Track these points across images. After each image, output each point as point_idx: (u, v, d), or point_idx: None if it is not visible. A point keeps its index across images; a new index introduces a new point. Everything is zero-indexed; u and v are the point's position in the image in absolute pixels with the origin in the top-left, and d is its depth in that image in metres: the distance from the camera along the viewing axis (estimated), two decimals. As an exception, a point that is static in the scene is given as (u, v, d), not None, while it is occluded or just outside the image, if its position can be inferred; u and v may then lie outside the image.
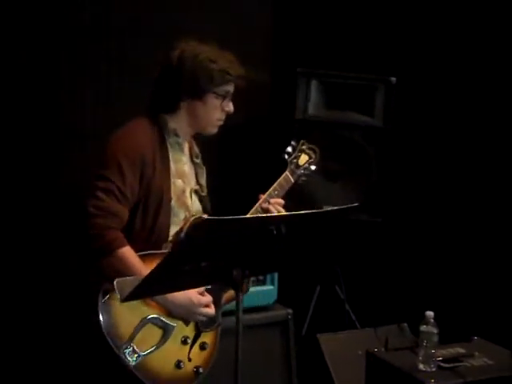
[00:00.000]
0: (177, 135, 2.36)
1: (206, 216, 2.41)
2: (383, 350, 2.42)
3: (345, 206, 2.00)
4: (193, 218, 2.38)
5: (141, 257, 2.23)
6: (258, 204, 2.41)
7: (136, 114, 2.39)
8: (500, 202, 3.33)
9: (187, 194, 2.40)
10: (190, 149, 2.48)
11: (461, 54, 3.44)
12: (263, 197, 2.42)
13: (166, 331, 2.24)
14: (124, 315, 2.15)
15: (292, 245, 1.95)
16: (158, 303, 2.21)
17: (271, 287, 3.02)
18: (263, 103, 3.81)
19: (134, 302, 2.13)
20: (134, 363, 2.14)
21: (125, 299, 1.94)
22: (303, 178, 2.56)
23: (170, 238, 2.33)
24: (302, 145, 2.57)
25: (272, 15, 3.80)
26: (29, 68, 2.96)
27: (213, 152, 3.52)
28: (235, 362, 1.90)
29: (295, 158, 2.52)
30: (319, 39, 3.73)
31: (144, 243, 2.27)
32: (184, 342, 2.28)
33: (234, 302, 1.94)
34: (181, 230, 2.36)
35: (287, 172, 2.48)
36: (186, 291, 2.22)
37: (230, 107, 2.39)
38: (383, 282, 3.61)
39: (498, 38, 3.31)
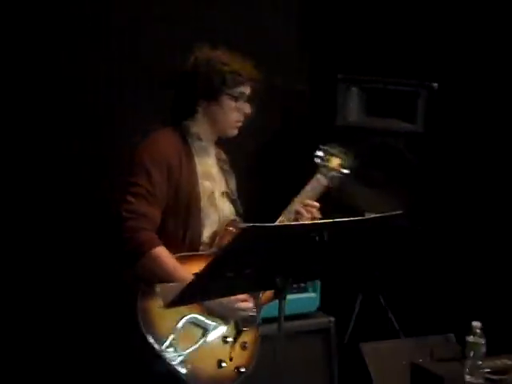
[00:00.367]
0: (200, 139, 2.43)
1: (238, 219, 2.45)
2: (428, 360, 2.37)
3: (388, 214, 1.99)
4: (227, 221, 2.41)
5: (177, 259, 2.25)
6: (289, 206, 2.40)
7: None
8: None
9: (216, 195, 2.44)
10: (217, 155, 2.53)
11: (505, 60, 3.38)
12: (295, 199, 2.42)
13: (206, 330, 2.25)
14: (163, 315, 2.16)
15: (334, 252, 1.94)
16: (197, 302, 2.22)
17: (313, 295, 3.01)
18: (303, 110, 3.81)
19: None
20: (175, 362, 2.15)
21: (168, 305, 1.96)
22: (337, 181, 2.52)
23: (204, 239, 2.36)
24: (333, 148, 2.54)
25: (311, 21, 3.80)
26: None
27: (252, 158, 3.55)
28: (277, 369, 1.90)
29: (326, 160, 2.51)
30: (359, 45, 3.72)
31: (179, 245, 2.30)
32: (224, 342, 2.29)
33: (276, 309, 1.93)
34: (215, 232, 2.39)
35: (318, 174, 2.47)
36: None
37: (247, 109, 2.43)
38: (428, 290, 3.56)
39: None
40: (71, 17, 3.06)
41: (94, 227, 3.06)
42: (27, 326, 2.99)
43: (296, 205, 2.40)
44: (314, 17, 3.81)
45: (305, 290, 2.98)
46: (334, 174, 2.49)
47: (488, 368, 2.29)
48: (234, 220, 2.45)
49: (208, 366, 2.23)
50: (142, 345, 2.14)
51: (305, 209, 2.39)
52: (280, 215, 2.41)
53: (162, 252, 2.21)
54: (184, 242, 2.32)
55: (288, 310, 1.95)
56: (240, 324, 2.33)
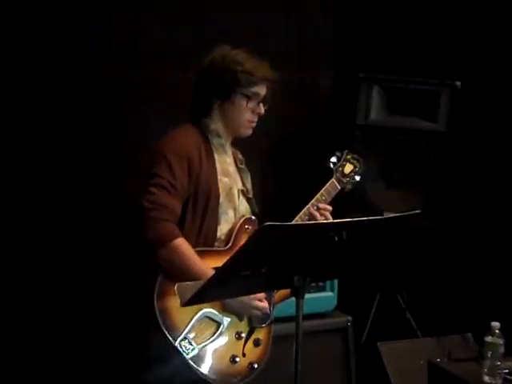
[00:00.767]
0: (219, 136, 2.45)
1: (254, 218, 2.47)
2: (446, 360, 2.37)
3: (406, 213, 1.99)
4: (243, 219, 2.43)
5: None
6: (304, 209, 2.46)
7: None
8: None
9: (234, 191, 2.46)
10: (234, 154, 2.56)
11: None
12: (310, 202, 2.47)
13: (220, 325, 2.27)
14: (180, 309, 2.18)
15: (353, 251, 1.94)
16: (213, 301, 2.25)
17: (331, 294, 3.01)
18: (325, 108, 3.80)
19: None
20: (190, 356, 2.18)
21: (185, 304, 1.98)
22: (349, 187, 2.61)
23: (219, 236, 2.38)
24: (347, 154, 2.63)
25: (334, 20, 3.79)
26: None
27: (269, 159, 3.56)
28: (294, 368, 1.90)
29: (340, 166, 2.59)
30: (381, 44, 3.70)
31: (194, 240, 2.32)
32: (238, 338, 2.32)
33: (293, 308, 1.93)
34: (231, 229, 2.41)
35: (333, 179, 2.55)
36: None
37: (260, 109, 2.45)
38: (446, 290, 3.54)
39: None
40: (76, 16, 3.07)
41: (109, 223, 3.10)
42: (38, 321, 3.02)
43: (310, 208, 2.46)
44: (339, 15, 3.80)
45: (322, 289, 2.98)
46: (347, 179, 2.58)
47: (506, 368, 2.27)
48: (250, 218, 2.47)
49: (221, 361, 2.25)
50: (157, 337, 2.16)
51: (319, 212, 2.45)
52: (294, 218, 2.45)
53: (182, 243, 2.24)
54: (199, 237, 2.34)
55: (306, 309, 1.94)
56: (254, 321, 2.35)
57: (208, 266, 2.22)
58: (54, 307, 3.04)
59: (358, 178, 2.61)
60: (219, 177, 2.41)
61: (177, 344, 2.16)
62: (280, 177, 3.61)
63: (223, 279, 1.84)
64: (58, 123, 3.05)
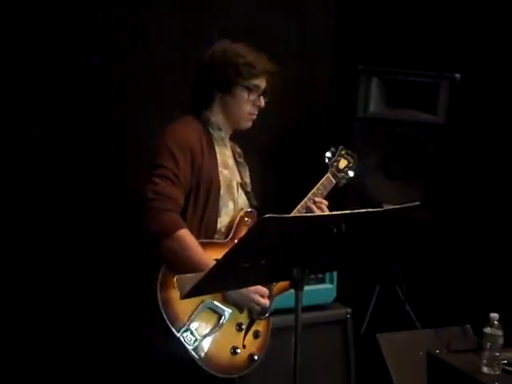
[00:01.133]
0: (220, 129, 2.47)
1: (254, 210, 2.48)
2: (445, 351, 2.37)
3: (405, 205, 1.99)
4: (243, 212, 2.44)
5: None
6: (302, 203, 2.48)
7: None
8: None
9: (234, 184, 2.47)
10: (232, 148, 2.57)
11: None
12: (306, 196, 2.50)
13: (221, 316, 2.28)
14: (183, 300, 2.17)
15: (352, 243, 1.94)
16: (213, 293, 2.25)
17: (330, 286, 3.01)
18: (324, 101, 3.80)
19: None
20: (192, 347, 2.18)
21: (184, 297, 1.97)
22: (343, 182, 2.64)
23: (219, 228, 2.39)
24: (342, 150, 2.66)
25: (334, 13, 3.79)
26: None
27: (267, 152, 3.56)
28: (294, 360, 1.91)
29: (335, 161, 2.62)
30: (380, 36, 3.70)
31: (195, 232, 2.32)
32: (239, 329, 2.33)
33: (293, 301, 1.94)
34: (231, 222, 2.41)
35: (329, 174, 2.59)
36: None
37: (261, 102, 2.47)
38: (445, 282, 3.55)
39: None
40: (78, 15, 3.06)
41: (113, 220, 3.11)
42: (42, 318, 3.03)
43: (307, 202, 2.48)
44: (338, 7, 3.79)
45: (322, 281, 2.99)
46: (342, 175, 2.62)
47: (505, 359, 2.28)
48: (250, 211, 2.48)
49: (222, 352, 2.26)
50: (159, 328, 2.16)
51: (315, 205, 2.47)
52: (292, 212, 2.46)
53: (185, 234, 2.24)
54: (200, 229, 2.35)
55: (305, 301, 1.94)
56: (253, 313, 2.36)
57: (210, 257, 2.22)
58: (55, 303, 3.05)
59: (351, 173, 2.65)
60: (220, 169, 2.42)
61: (179, 335, 2.17)
62: (279, 170, 3.62)
63: (223, 271, 1.84)
64: (57, 123, 3.05)
